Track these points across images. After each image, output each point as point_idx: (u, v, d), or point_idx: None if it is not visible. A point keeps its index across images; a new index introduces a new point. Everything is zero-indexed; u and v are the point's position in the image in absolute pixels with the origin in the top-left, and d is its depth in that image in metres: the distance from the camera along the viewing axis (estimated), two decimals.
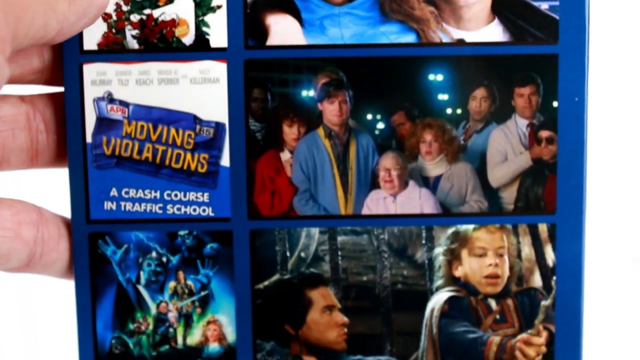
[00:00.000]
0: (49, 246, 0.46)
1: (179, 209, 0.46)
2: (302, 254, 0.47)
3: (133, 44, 0.45)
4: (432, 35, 0.45)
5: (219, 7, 0.45)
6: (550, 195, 0.46)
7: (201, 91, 0.45)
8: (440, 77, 0.46)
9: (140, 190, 0.46)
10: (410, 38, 0.45)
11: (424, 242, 0.47)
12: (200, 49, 0.45)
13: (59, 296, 0.88)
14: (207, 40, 0.45)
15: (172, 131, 0.46)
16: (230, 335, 0.47)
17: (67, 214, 0.47)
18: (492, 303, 0.47)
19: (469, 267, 0.47)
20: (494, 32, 0.46)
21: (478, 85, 0.46)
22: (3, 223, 0.44)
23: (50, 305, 0.90)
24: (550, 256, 0.47)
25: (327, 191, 0.47)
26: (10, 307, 0.88)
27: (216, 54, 0.46)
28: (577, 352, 0.47)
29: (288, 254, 0.47)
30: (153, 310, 0.47)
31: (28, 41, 0.40)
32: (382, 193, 0.47)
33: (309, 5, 0.45)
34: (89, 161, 0.46)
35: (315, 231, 0.47)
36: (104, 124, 0.46)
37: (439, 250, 0.47)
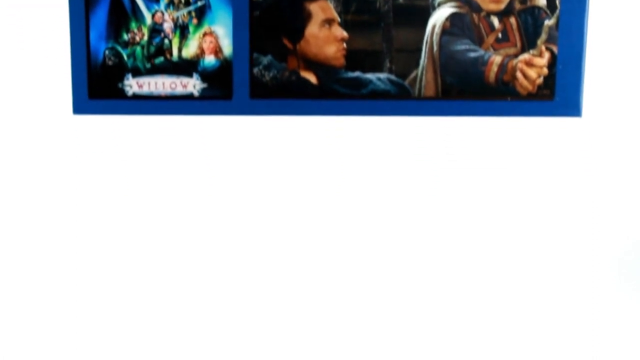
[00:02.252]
0: None
1: None
2: None
3: None
4: None
5: None
6: None
7: None
8: None
9: None
10: None
11: None
12: None
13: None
14: None
15: None
16: (227, 48, 0.46)
17: None
18: (495, 21, 0.46)
19: None
20: None
21: None
22: None
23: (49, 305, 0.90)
24: None
25: None
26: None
27: None
28: (579, 74, 0.46)
29: None
30: (148, 20, 0.46)
31: None
32: None
33: None
34: None
35: None
36: None
37: None
